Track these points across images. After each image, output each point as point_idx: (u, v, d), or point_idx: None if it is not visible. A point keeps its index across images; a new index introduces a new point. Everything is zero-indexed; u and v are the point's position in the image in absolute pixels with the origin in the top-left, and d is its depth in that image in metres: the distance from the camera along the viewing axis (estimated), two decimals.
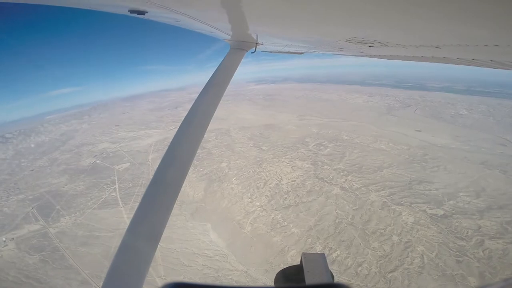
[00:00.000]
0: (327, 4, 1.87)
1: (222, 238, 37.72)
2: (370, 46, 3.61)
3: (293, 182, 48.60)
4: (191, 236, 38.61)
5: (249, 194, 46.82)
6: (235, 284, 28.43)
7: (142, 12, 2.80)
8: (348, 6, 1.83)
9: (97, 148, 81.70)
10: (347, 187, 45.71)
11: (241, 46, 5.18)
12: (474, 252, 31.56)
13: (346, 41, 3.57)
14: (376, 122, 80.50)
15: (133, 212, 2.61)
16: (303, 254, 1.57)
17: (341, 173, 50.30)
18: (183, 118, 3.62)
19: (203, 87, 4.16)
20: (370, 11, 1.84)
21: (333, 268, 30.90)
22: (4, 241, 41.31)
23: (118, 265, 2.24)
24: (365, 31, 2.80)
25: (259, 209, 42.60)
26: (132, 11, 2.77)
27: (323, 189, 45.76)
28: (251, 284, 30.22)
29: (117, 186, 54.90)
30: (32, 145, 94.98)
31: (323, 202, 42.35)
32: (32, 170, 70.31)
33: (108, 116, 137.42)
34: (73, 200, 51.57)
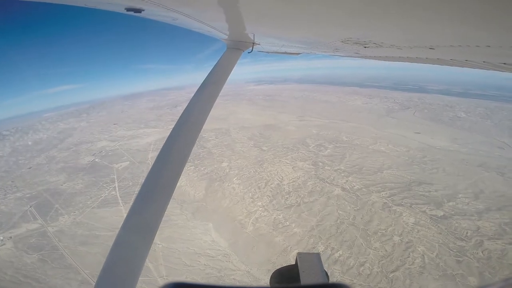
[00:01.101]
0: (323, 4, 1.88)
1: (224, 238, 37.72)
2: (365, 47, 3.63)
3: (294, 183, 48.73)
4: (193, 236, 38.56)
5: (250, 194, 46.86)
6: (237, 284, 28.43)
7: (138, 10, 2.78)
8: (343, 6, 1.84)
9: (96, 147, 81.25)
10: (348, 188, 45.95)
11: (238, 46, 5.20)
12: (473, 252, 31.92)
13: (342, 41, 3.59)
14: (376, 124, 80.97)
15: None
16: (298, 254, 1.54)
17: (342, 174, 50.54)
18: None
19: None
20: (365, 12, 1.85)
21: (335, 268, 31.08)
22: (2, 240, 40.90)
23: (112, 262, 2.25)
24: (360, 32, 2.81)
25: (260, 209, 42.66)
26: (128, 9, 2.74)
27: (324, 189, 45.96)
28: (254, 284, 30.27)
29: (116, 184, 54.67)
30: (30, 143, 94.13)
31: (325, 203, 42.54)
32: (30, 167, 69.74)
33: (106, 115, 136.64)
34: (72, 198, 51.24)
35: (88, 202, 49.42)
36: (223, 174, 54.53)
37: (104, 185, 55.10)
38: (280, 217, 40.42)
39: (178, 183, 3.00)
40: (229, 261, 34.04)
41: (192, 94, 4.06)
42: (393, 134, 70.90)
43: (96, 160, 69.86)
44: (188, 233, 39.05)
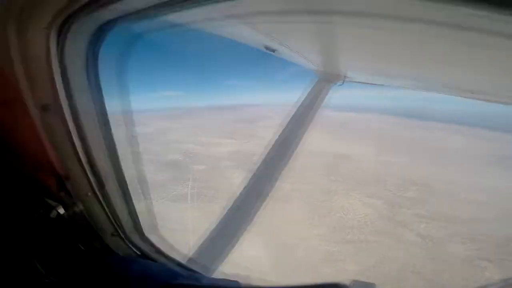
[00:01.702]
0: (432, 51, 1.80)
1: (269, 256, 36.60)
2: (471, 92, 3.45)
3: (360, 219, 44.20)
4: (239, 246, 38.65)
5: (308, 220, 44.44)
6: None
7: (273, 50, 3.16)
8: (456, 53, 1.77)
9: (182, 147, 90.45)
10: (425, 234, 39.20)
11: (328, 78, 5.07)
12: None
13: (443, 85, 3.50)
14: (477, 171, 67.81)
15: (200, 211, 3.26)
16: (354, 281, 1.45)
17: (421, 219, 43.54)
18: (268, 142, 4.07)
19: (284, 109, 4.40)
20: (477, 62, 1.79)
21: None
22: None
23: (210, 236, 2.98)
24: (466, 79, 2.78)
25: (315, 237, 40.00)
26: (267, 48, 3.12)
27: (395, 231, 40.29)
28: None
29: (190, 184, 59.40)
30: (134, 134, 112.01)
31: (391, 245, 37.19)
32: None
33: (197, 121, 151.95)
34: (151, 188, 57.80)
35: (163, 194, 54.83)
36: (283, 195, 53.57)
37: (180, 182, 60.50)
38: (334, 249, 37.02)
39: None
40: (264, 279, 32.71)
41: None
42: (497, 185, 58.30)
43: (179, 158, 77.61)
44: (236, 243, 39.42)
